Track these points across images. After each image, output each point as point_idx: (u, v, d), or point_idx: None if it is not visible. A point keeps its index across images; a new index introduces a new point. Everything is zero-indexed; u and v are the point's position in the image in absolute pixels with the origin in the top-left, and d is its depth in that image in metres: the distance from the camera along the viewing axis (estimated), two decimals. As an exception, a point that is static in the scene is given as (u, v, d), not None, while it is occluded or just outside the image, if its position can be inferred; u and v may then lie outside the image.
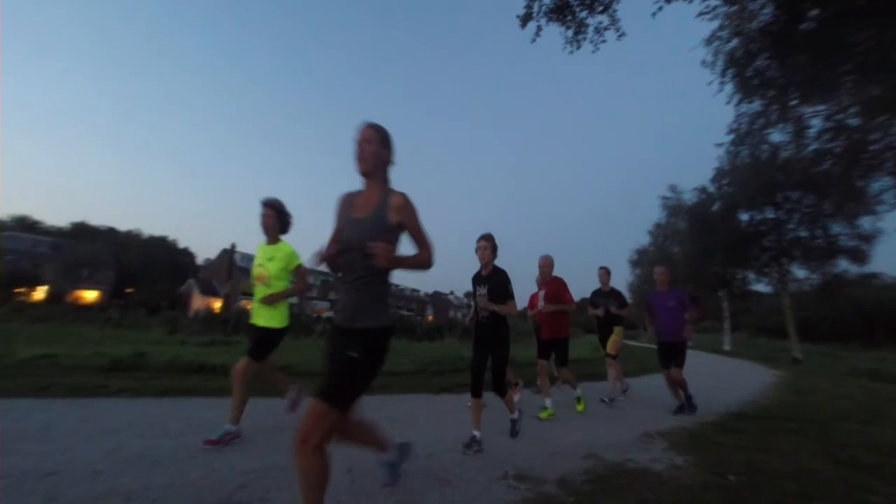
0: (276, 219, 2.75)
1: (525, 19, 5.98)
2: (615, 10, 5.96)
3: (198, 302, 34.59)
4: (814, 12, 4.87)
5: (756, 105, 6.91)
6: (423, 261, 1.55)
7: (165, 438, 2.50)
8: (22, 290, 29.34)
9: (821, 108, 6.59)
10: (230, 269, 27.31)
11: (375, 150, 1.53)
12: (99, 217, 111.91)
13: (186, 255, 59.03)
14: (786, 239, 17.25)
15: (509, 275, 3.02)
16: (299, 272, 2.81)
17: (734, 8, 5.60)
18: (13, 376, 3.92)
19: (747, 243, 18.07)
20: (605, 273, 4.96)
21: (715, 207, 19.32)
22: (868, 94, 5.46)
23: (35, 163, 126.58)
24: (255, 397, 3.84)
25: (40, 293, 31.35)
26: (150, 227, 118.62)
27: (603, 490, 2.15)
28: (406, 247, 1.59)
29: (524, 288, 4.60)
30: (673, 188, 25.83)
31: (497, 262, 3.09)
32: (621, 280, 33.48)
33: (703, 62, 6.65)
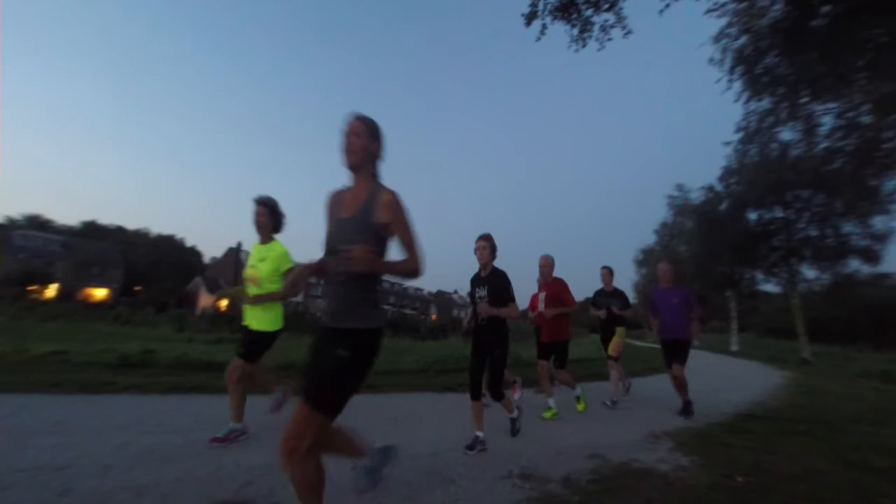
0: (269, 217, 2.68)
1: (530, 18, 5.95)
2: (621, 8, 5.91)
3: (205, 300, 34.99)
4: (825, 8, 4.79)
5: (765, 103, 6.82)
6: (408, 269, 1.42)
7: (174, 435, 2.54)
8: (34, 287, 29.88)
9: (832, 105, 6.49)
10: (236, 268, 27.58)
11: (364, 142, 1.44)
12: (108, 216, 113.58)
13: (193, 253, 59.67)
14: (795, 238, 16.98)
15: (509, 276, 2.95)
16: (291, 275, 2.73)
17: (743, 5, 5.53)
18: (27, 372, 4.01)
19: (756, 243, 17.83)
20: (607, 273, 4.89)
21: (722, 206, 19.06)
22: (881, 91, 5.36)
23: (46, 162, 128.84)
24: (261, 395, 3.89)
25: (52, 291, 31.90)
26: (158, 225, 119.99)
27: (608, 490, 2.15)
28: (396, 247, 1.49)
29: (526, 288, 4.53)
30: (680, 187, 25.57)
31: (499, 263, 3.02)
32: (626, 280, 33.26)
33: (711, 60, 6.57)
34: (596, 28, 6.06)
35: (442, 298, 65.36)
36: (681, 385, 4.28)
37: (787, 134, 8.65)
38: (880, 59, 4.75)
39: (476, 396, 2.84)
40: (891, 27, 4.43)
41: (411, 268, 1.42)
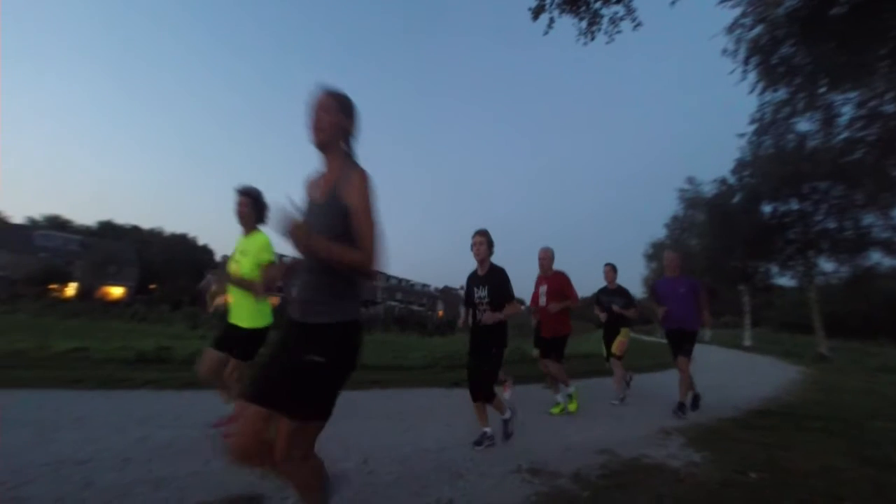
0: (252, 207, 2.53)
1: (537, 12, 5.85)
2: (631, 0, 5.78)
3: (217, 298, 35.61)
4: None
5: (781, 93, 6.63)
6: (356, 262, 1.19)
7: (191, 429, 2.60)
8: (55, 286, 30.77)
9: (853, 94, 6.28)
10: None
11: (333, 119, 1.31)
12: (123, 216, 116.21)
13: (206, 251, 60.76)
14: (812, 231, 16.55)
15: (508, 272, 2.86)
16: (267, 270, 2.45)
17: (758, -6, 5.37)
18: (49, 368, 4.15)
19: (770, 236, 17.43)
20: (610, 270, 4.77)
21: (736, 199, 18.66)
22: (905, 79, 5.16)
23: (65, 164, 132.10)
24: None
25: (71, 289, 32.82)
26: (172, 225, 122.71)
27: (618, 485, 2.14)
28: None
29: (530, 285, 4.38)
30: (691, 180, 25.07)
31: (501, 260, 2.94)
32: (636, 274, 32.87)
33: (724, 51, 6.40)
34: (605, 21, 5.94)
35: (449, 294, 65.47)
36: (685, 380, 4.07)
37: (804, 125, 8.43)
38: (904, 46, 4.57)
39: (477, 397, 2.75)
40: None
41: (360, 262, 1.20)
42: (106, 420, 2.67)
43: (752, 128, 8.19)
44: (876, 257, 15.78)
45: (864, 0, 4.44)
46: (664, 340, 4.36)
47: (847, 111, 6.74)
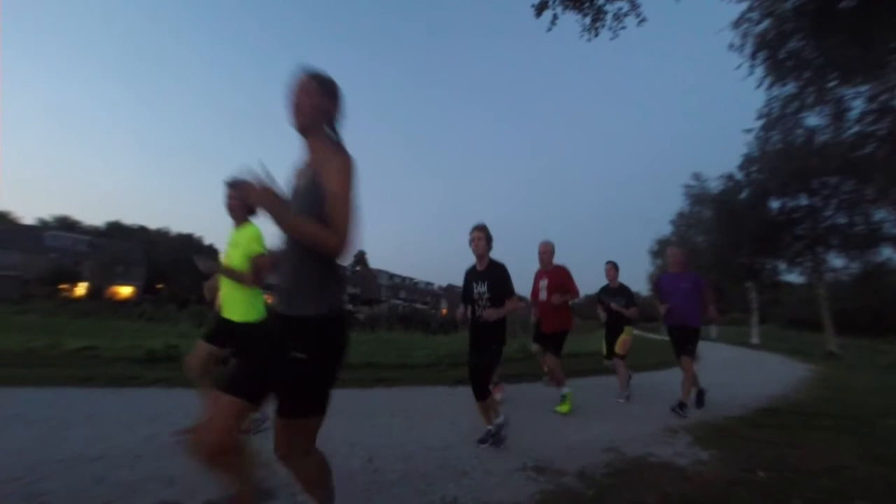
0: (241, 200, 2.43)
1: (540, 8, 5.81)
2: (636, -5, 5.73)
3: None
4: None
5: (790, 88, 6.54)
6: (323, 240, 1.12)
7: (199, 426, 2.63)
8: (65, 286, 31.24)
9: (863, 88, 6.18)
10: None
11: (315, 102, 1.25)
12: (131, 216, 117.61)
13: (211, 251, 61.25)
14: (822, 226, 16.32)
15: (508, 268, 2.79)
16: (256, 261, 2.36)
17: (766, -12, 5.29)
18: (61, 366, 4.22)
19: (778, 232, 17.22)
20: (612, 268, 4.71)
21: (743, 195, 18.44)
22: (917, 72, 5.07)
23: (73, 164, 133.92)
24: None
25: (81, 289, 33.30)
26: (178, 225, 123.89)
27: (624, 484, 2.13)
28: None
29: (531, 281, 4.29)
30: (697, 176, 24.87)
31: (504, 257, 2.88)
32: (641, 271, 32.66)
33: (731, 45, 6.33)
34: (609, 17, 5.89)
35: (452, 293, 65.49)
36: (688, 379, 3.98)
37: (813, 119, 8.35)
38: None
39: (483, 398, 2.66)
40: None
41: (329, 242, 1.12)
42: (116, 418, 2.72)
43: (760, 123, 8.10)
44: (887, 253, 15.55)
45: None
46: (668, 338, 4.30)
47: (858, 105, 6.65)
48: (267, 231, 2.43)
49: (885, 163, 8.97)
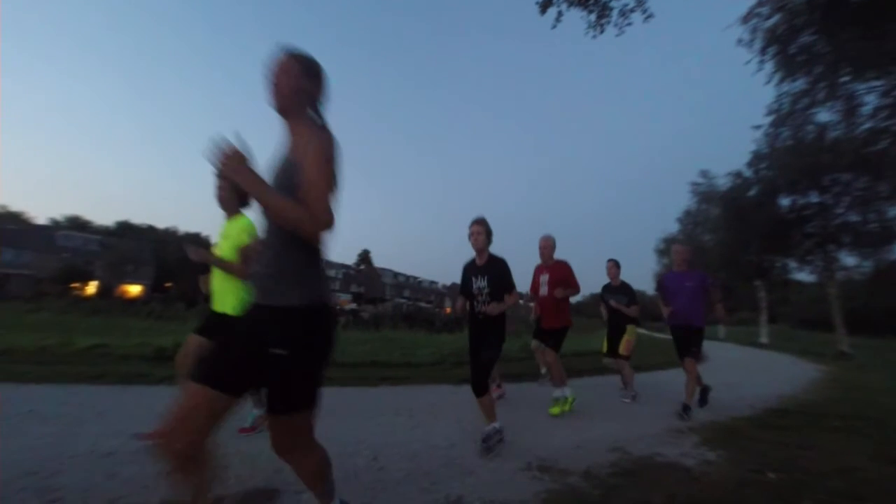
0: (231, 191, 2.40)
1: (545, 5, 5.78)
2: (642, -10, 5.66)
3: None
4: None
5: (800, 83, 6.44)
6: (293, 213, 1.04)
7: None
8: (77, 285, 31.79)
9: (876, 83, 6.05)
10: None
11: (294, 82, 1.19)
12: (140, 216, 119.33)
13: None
14: (833, 224, 16.04)
15: (509, 264, 2.75)
16: (244, 252, 2.30)
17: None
18: (73, 364, 4.31)
19: (788, 229, 16.96)
20: (613, 266, 4.65)
21: (751, 193, 18.20)
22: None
23: (84, 165, 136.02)
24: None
25: (92, 288, 33.86)
26: (186, 224, 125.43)
27: (630, 484, 2.12)
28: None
29: (530, 278, 4.22)
30: (704, 174, 24.59)
31: (506, 253, 2.85)
32: (647, 270, 32.36)
33: (740, 41, 6.23)
34: (615, 13, 5.83)
35: (456, 292, 65.42)
36: (692, 383, 3.86)
37: (824, 115, 8.18)
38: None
39: (483, 394, 2.62)
40: None
41: (302, 219, 1.04)
42: (128, 414, 2.76)
43: (769, 119, 7.98)
44: (901, 251, 15.24)
45: None
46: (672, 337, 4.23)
47: (871, 100, 6.51)
48: (258, 222, 2.42)
49: (899, 159, 8.79)
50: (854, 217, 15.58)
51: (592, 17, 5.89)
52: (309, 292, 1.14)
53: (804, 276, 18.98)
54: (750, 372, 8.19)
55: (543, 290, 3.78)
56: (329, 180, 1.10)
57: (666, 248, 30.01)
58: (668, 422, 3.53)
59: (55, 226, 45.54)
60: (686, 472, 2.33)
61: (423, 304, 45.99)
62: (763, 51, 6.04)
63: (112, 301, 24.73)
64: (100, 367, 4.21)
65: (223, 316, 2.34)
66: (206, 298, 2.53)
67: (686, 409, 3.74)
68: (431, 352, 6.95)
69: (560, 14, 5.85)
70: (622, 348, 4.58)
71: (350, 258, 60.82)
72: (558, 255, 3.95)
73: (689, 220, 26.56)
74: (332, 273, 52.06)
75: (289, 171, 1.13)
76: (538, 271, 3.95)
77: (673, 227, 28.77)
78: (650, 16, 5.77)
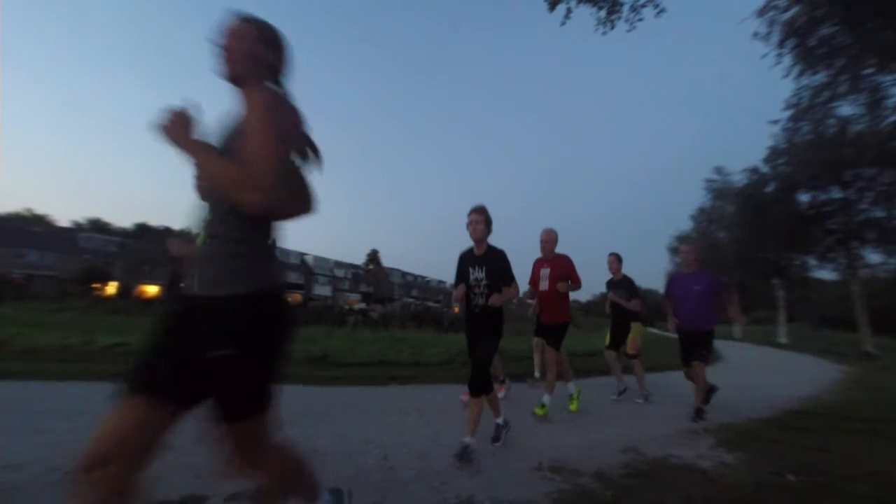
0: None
1: (553, 3, 5.72)
2: (653, -16, 5.56)
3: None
4: None
5: (821, 76, 6.25)
6: (234, 177, 0.90)
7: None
8: (97, 285, 32.79)
9: None
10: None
11: (249, 47, 1.06)
12: (156, 217, 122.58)
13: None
14: (856, 220, 15.53)
15: (507, 254, 2.65)
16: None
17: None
18: (96, 362, 4.45)
19: (808, 226, 16.49)
20: (615, 260, 4.59)
21: (769, 189, 17.74)
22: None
23: (103, 167, 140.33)
24: (296, 384, 4.07)
25: (112, 288, 34.89)
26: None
27: (644, 485, 2.08)
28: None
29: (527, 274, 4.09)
30: (719, 170, 24.07)
31: (512, 251, 2.73)
32: (660, 269, 31.76)
33: (756, 34, 6.07)
34: (625, 8, 5.74)
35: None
36: (701, 386, 3.71)
37: (846, 108, 7.93)
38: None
39: (488, 389, 2.53)
40: None
41: (234, 176, 0.90)
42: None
43: (788, 113, 7.77)
44: (930, 248, 14.67)
45: None
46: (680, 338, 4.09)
47: (896, 93, 6.27)
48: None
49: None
50: (879, 213, 15.07)
51: (602, 13, 5.81)
52: (256, 278, 0.98)
53: (825, 274, 18.45)
54: (768, 372, 7.99)
55: (544, 285, 3.66)
56: (274, 141, 0.93)
57: (679, 247, 29.47)
58: (681, 423, 3.47)
59: (77, 228, 47.11)
60: (702, 474, 2.28)
61: (431, 304, 46.05)
62: (781, 44, 5.88)
63: (131, 301, 25.44)
64: (121, 364, 4.33)
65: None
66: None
67: (699, 412, 3.65)
68: (440, 351, 6.96)
69: (569, 11, 5.79)
70: (629, 347, 4.52)
71: (359, 258, 61.32)
72: (560, 249, 3.83)
73: (703, 217, 26.07)
74: (341, 273, 52.59)
75: (236, 140, 0.98)
76: (538, 265, 3.83)
77: (686, 225, 28.25)
78: (662, 10, 5.66)
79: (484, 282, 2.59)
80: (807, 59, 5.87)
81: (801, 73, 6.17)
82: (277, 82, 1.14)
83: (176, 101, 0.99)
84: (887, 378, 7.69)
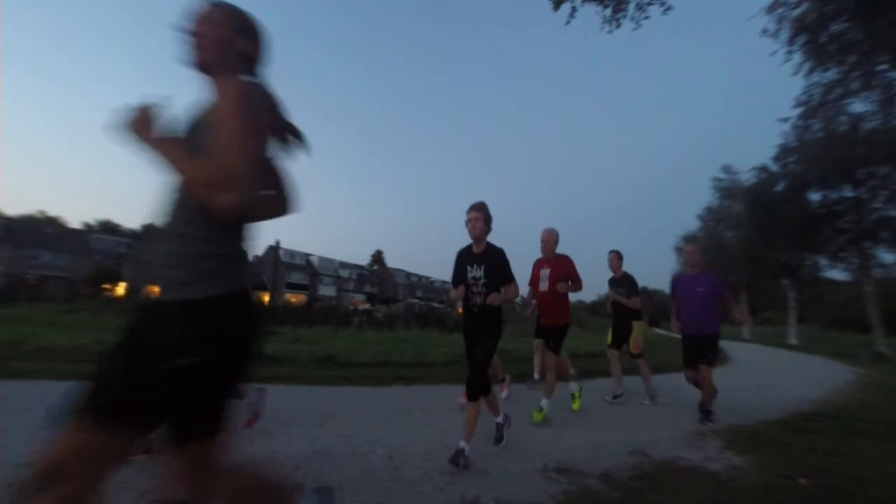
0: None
1: (558, 1, 5.71)
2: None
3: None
4: None
5: (832, 73, 6.16)
6: (199, 170, 0.84)
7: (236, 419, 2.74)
8: (108, 286, 33.33)
9: None
10: (276, 265, 29.06)
11: (220, 34, 0.99)
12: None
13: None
14: (869, 219, 15.25)
15: (506, 253, 2.61)
16: None
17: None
18: (104, 362, 4.51)
19: (819, 225, 16.22)
20: (615, 257, 4.54)
21: (778, 188, 17.49)
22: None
23: (112, 169, 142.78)
24: (301, 385, 4.10)
25: (121, 289, 35.45)
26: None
27: (652, 487, 2.06)
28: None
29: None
30: (727, 169, 23.82)
31: (513, 252, 2.70)
32: (666, 269, 31.46)
33: (765, 31, 6.00)
34: (631, 6, 5.70)
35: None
36: (708, 390, 3.62)
37: (859, 105, 7.80)
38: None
39: (486, 391, 2.50)
40: None
41: (205, 172, 0.83)
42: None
43: (798, 111, 7.66)
44: (946, 247, 14.36)
45: None
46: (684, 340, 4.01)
47: (911, 89, 6.16)
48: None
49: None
50: (892, 212, 14.79)
51: (608, 11, 5.78)
52: (221, 280, 0.90)
53: (836, 274, 18.14)
54: (778, 374, 7.87)
55: (543, 286, 3.60)
56: (245, 134, 0.86)
57: (683, 247, 29.15)
58: (689, 425, 3.43)
59: (88, 230, 47.94)
60: (711, 477, 2.25)
61: (435, 304, 46.06)
62: (791, 41, 5.81)
63: (140, 301, 25.79)
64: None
65: None
66: None
67: (708, 414, 3.59)
68: (444, 352, 6.97)
69: (574, 10, 5.76)
70: (632, 347, 4.48)
71: (364, 259, 61.59)
72: (563, 250, 3.78)
73: (711, 216, 25.81)
74: (346, 274, 52.86)
75: (205, 133, 0.89)
76: (538, 265, 3.78)
77: (693, 225, 27.96)
78: (669, 8, 5.61)
79: (482, 280, 2.54)
80: (817, 55, 5.78)
81: (811, 70, 6.09)
82: (253, 73, 1.07)
83: (138, 98, 0.93)
84: (902, 380, 7.53)
